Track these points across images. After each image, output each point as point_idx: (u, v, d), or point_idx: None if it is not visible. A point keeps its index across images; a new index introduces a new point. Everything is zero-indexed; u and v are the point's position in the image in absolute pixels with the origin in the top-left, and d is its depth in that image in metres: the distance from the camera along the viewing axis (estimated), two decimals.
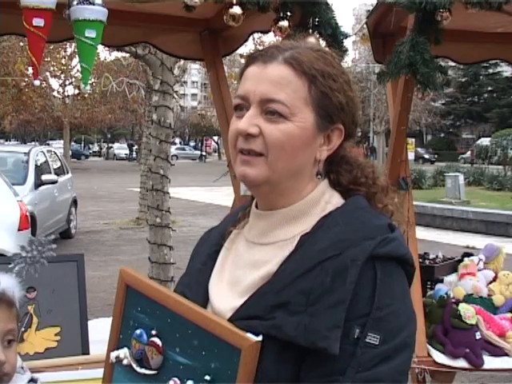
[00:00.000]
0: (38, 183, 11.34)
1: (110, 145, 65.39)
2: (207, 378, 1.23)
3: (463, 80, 57.01)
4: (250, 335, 1.19)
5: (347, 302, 1.16)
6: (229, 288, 1.34)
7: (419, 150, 51.26)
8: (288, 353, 1.18)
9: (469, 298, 3.31)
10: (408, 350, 1.21)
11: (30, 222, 8.16)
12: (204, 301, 1.35)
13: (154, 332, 1.33)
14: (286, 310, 1.19)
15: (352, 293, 1.17)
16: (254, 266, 1.31)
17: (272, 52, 1.30)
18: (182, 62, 12.60)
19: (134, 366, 1.35)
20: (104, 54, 32.01)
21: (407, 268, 1.26)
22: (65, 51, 34.51)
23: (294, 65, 1.27)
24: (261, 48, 1.34)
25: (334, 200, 1.34)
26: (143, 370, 1.34)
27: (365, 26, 3.54)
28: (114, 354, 1.38)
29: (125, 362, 1.35)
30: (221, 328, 1.23)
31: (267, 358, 1.19)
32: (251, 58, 1.32)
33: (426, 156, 49.86)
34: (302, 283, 1.20)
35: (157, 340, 1.32)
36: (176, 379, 1.28)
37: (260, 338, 1.19)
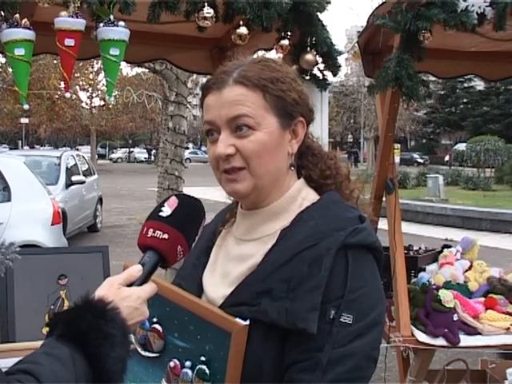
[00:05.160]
0: (69, 183, 11.35)
1: (131, 149, 65.42)
2: (203, 358, 1.24)
3: (442, 92, 56.75)
4: (238, 320, 1.20)
5: (323, 286, 1.16)
6: (221, 279, 1.33)
7: (414, 154, 50.22)
8: (273, 334, 1.18)
9: (448, 285, 3.31)
10: (379, 327, 1.21)
11: (61, 218, 8.17)
12: (198, 291, 1.36)
13: (155, 320, 1.34)
14: (270, 297, 1.19)
15: (327, 279, 1.16)
16: (242, 260, 1.31)
17: (222, 78, 1.28)
18: (194, 76, 12.60)
19: (139, 349, 1.36)
20: (126, 69, 32.13)
21: (376, 254, 1.25)
22: (92, 67, 34.60)
23: (245, 82, 1.26)
24: (211, 77, 1.32)
25: (310, 196, 1.33)
26: (147, 353, 1.35)
27: (356, 44, 3.53)
28: None
29: (131, 346, 1.36)
30: (213, 314, 1.24)
31: (254, 339, 1.19)
32: (206, 88, 1.30)
33: (420, 160, 48.26)
34: (283, 272, 1.20)
35: (158, 326, 1.34)
36: (176, 360, 1.29)
37: (247, 322, 1.19)
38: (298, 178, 1.36)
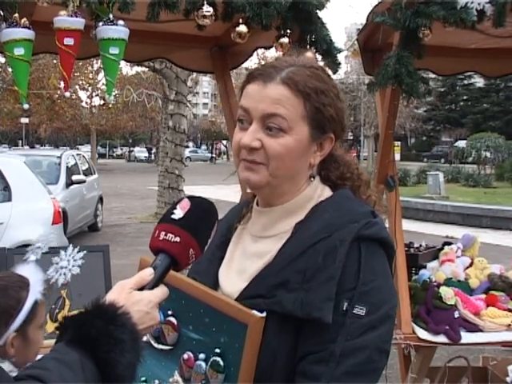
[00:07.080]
0: (69, 183, 11.36)
1: (132, 148, 65.41)
2: (217, 350, 1.24)
3: (442, 90, 56.79)
4: (255, 312, 1.20)
5: (337, 277, 1.17)
6: (237, 275, 1.34)
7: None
8: (288, 325, 1.19)
9: (448, 282, 3.31)
10: (391, 321, 1.22)
11: (62, 217, 8.17)
12: (214, 286, 1.36)
13: (169, 312, 1.34)
14: (285, 288, 1.20)
15: (341, 270, 1.17)
16: (259, 257, 1.31)
17: (270, 72, 1.28)
18: (194, 74, 12.60)
19: (152, 342, 1.36)
20: (126, 68, 32.19)
21: (388, 250, 1.26)
22: (92, 67, 34.64)
23: (291, 84, 1.26)
24: (260, 67, 1.32)
25: (325, 193, 1.35)
26: (160, 346, 1.35)
27: (356, 42, 3.52)
28: None
29: (144, 339, 1.35)
30: (229, 306, 1.24)
31: (270, 330, 1.20)
32: (252, 77, 1.30)
33: None
34: (298, 264, 1.21)
35: (172, 319, 1.34)
36: (190, 353, 1.30)
37: (264, 314, 1.20)
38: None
